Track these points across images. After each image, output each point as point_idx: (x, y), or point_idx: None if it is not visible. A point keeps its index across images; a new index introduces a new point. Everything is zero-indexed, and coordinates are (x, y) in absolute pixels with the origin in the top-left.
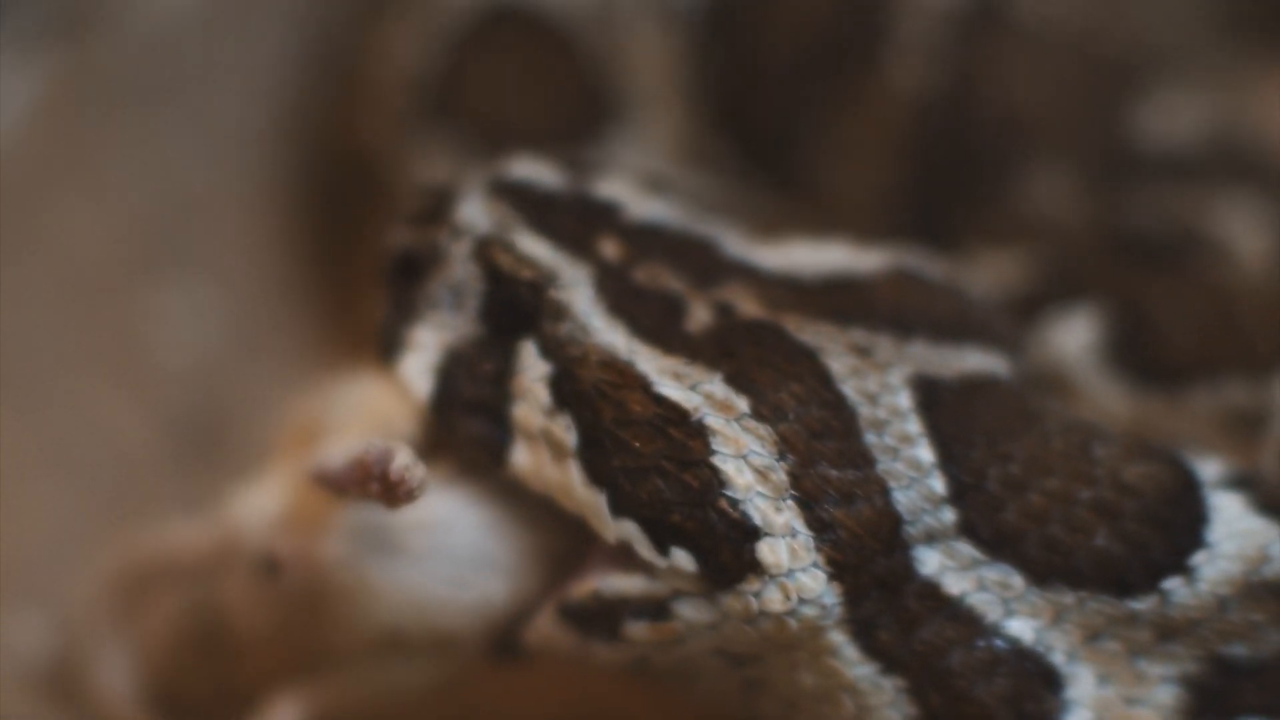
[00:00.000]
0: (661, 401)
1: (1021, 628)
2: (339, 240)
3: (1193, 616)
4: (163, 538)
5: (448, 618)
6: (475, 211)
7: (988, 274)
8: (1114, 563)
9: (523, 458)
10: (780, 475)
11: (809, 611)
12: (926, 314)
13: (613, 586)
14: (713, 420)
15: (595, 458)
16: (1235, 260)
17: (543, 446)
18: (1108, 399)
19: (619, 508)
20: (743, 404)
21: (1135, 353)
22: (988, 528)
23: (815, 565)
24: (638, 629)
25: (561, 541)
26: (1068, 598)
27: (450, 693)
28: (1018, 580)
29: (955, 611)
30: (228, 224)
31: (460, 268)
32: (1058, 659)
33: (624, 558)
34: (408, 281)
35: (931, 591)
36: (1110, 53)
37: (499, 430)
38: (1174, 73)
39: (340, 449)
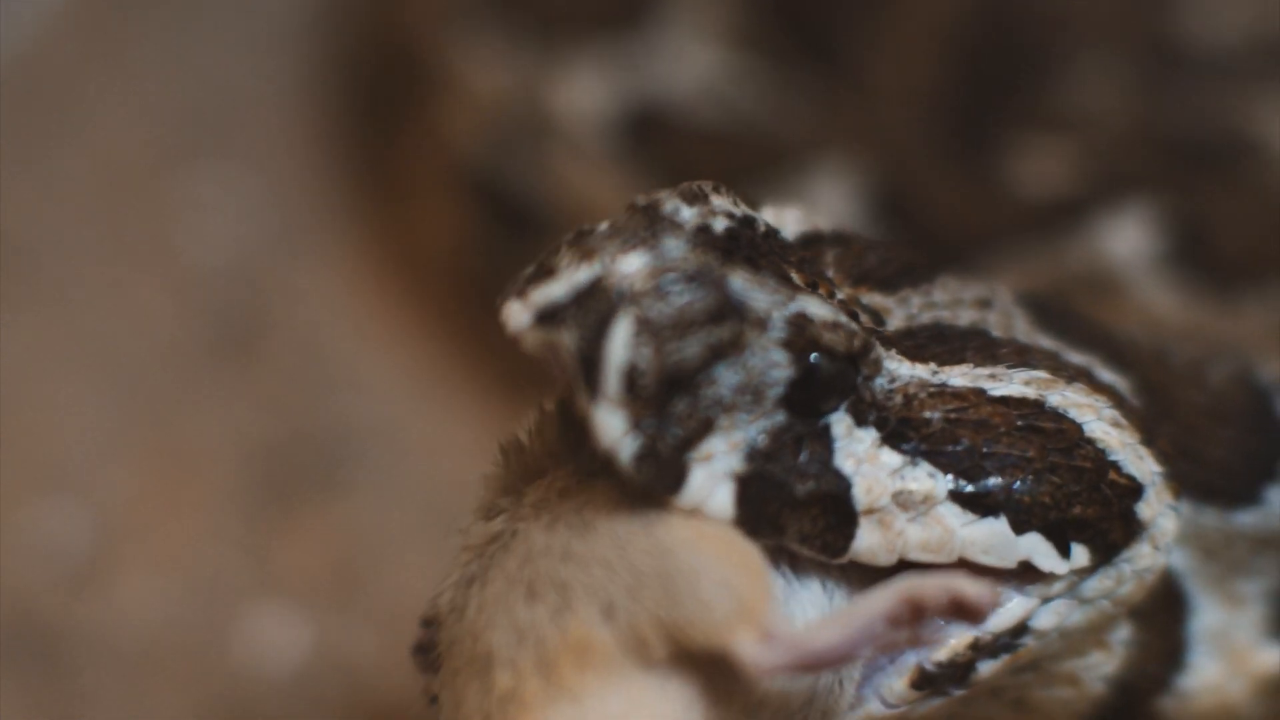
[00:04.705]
0: (1012, 401)
1: (1177, 557)
2: (381, 133)
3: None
4: None
5: None
6: (765, 297)
7: (1033, 173)
8: (1231, 474)
9: (871, 538)
10: (1124, 420)
11: (1164, 560)
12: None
13: (1000, 622)
14: (1056, 397)
15: (979, 487)
16: None
17: (895, 514)
18: (1158, 303)
19: (1021, 524)
20: (1049, 374)
21: (1186, 256)
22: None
23: (1169, 505)
24: (989, 667)
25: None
26: (1198, 515)
27: None
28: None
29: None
30: (268, 116)
31: (759, 359)
32: (1188, 586)
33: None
34: (665, 398)
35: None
36: None
37: (842, 519)
38: None
39: (839, 626)
